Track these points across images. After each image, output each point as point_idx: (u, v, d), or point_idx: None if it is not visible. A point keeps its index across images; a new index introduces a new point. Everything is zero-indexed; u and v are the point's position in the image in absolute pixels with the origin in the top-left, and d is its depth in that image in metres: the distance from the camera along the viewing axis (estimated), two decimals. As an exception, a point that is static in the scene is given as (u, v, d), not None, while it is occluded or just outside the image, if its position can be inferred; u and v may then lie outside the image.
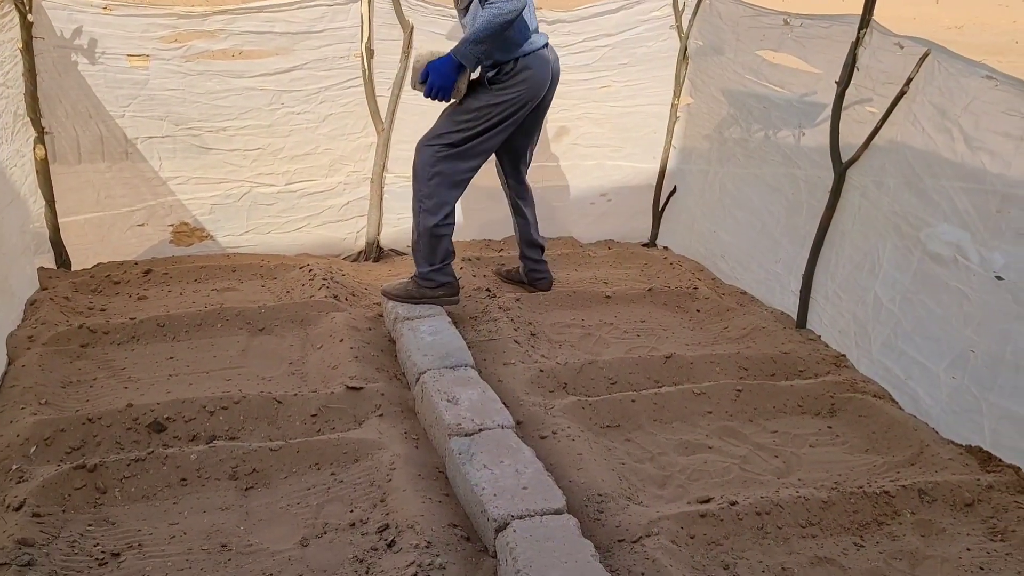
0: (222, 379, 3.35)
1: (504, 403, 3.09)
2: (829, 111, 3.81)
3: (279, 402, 3.09)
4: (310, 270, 4.28)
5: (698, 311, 4.20)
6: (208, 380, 3.33)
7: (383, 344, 3.71)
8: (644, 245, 5.28)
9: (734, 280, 4.61)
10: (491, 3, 3.45)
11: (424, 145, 3.73)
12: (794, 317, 4.09)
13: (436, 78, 3.54)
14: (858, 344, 3.70)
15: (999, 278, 3.02)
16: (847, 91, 3.70)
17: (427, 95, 3.59)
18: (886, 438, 3.13)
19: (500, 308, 3.97)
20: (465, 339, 3.57)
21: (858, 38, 3.61)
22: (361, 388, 3.21)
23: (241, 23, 4.32)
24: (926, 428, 3.17)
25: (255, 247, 4.80)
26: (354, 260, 4.99)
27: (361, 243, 4.99)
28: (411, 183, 3.78)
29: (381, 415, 3.12)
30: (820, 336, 3.94)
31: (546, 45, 3.83)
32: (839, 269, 3.85)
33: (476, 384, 3.19)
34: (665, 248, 5.20)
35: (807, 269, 3.97)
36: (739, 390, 3.35)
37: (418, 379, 3.26)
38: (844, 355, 3.75)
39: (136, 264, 4.41)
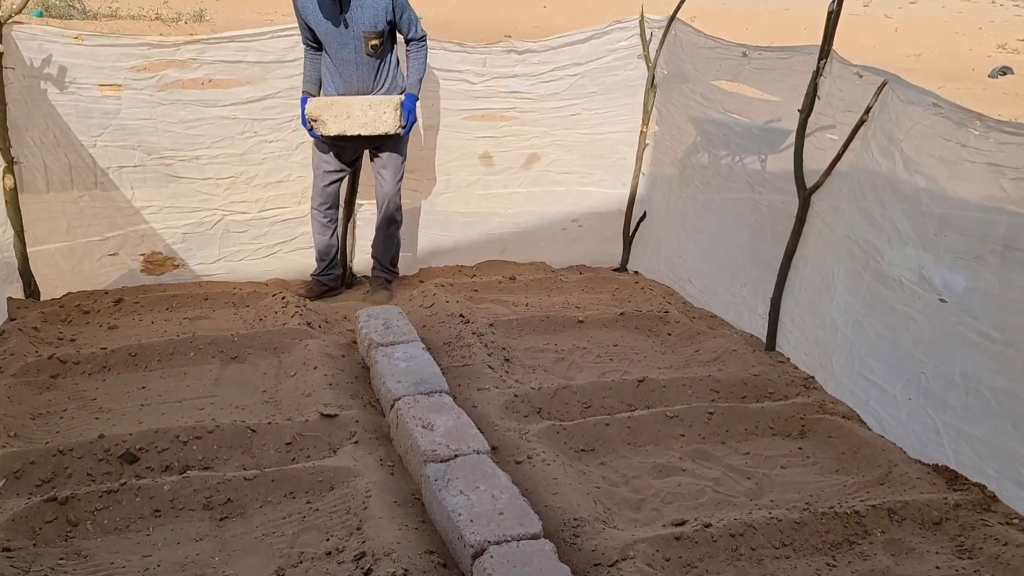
0: (195, 408, 3.33)
1: (479, 428, 3.11)
2: (789, 138, 3.92)
3: (253, 431, 3.08)
4: (283, 298, 4.28)
5: (669, 335, 4.25)
6: (181, 409, 3.31)
7: (357, 371, 3.71)
8: (615, 270, 5.35)
9: (703, 304, 4.68)
10: (419, 44, 4.32)
11: (398, 191, 4.57)
12: (763, 340, 4.16)
13: (415, 115, 4.34)
14: (822, 366, 3.77)
15: (942, 301, 3.10)
16: (808, 119, 3.81)
17: (408, 130, 4.34)
18: (855, 458, 3.19)
19: (474, 333, 4.00)
20: (439, 365, 3.59)
21: (819, 68, 3.72)
22: (336, 415, 3.22)
23: (213, 52, 4.34)
24: (894, 448, 3.24)
25: (227, 275, 4.79)
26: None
27: (334, 270, 5.00)
28: (390, 209, 4.53)
29: (356, 442, 3.12)
30: (789, 358, 4.01)
31: None
32: (803, 293, 3.93)
33: (451, 410, 3.21)
34: (636, 273, 5.26)
35: (775, 293, 4.05)
36: (711, 412, 3.39)
37: (393, 405, 3.27)
38: (813, 377, 3.82)
39: (107, 293, 4.38)
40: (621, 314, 4.35)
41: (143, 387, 3.45)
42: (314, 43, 4.26)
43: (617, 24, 4.90)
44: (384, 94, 4.31)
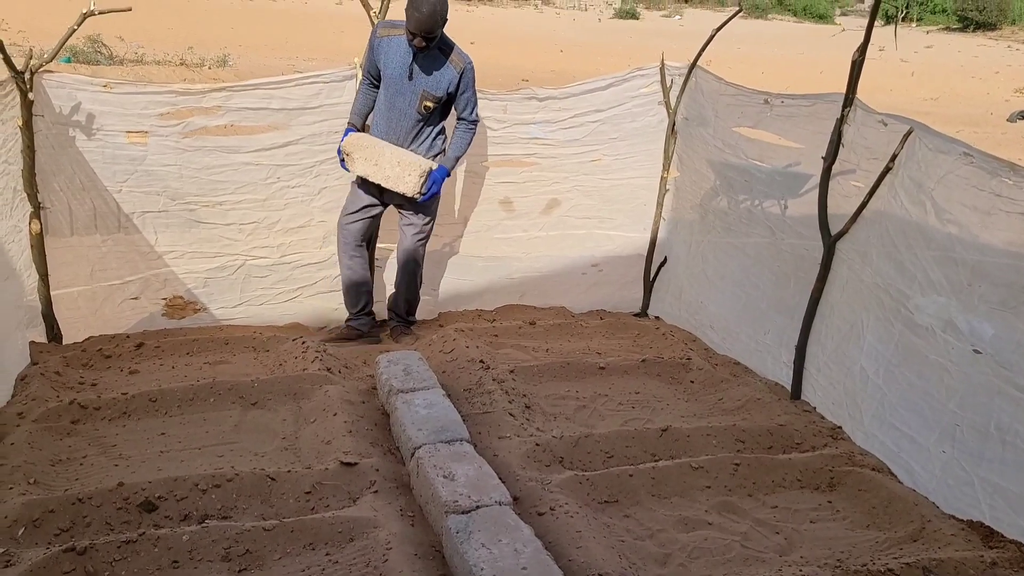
0: (214, 455, 3.31)
1: (501, 478, 3.06)
2: (810, 183, 3.91)
3: (272, 479, 3.05)
4: (303, 343, 4.27)
5: (692, 382, 4.20)
6: (200, 457, 3.28)
7: (377, 417, 3.68)
8: (636, 315, 5.31)
9: (726, 350, 4.63)
10: (469, 126, 4.38)
11: (418, 247, 4.59)
12: (788, 388, 4.10)
13: (438, 187, 4.38)
14: (851, 416, 3.71)
15: (977, 352, 3.05)
16: (832, 166, 3.79)
17: (427, 199, 4.38)
18: (887, 513, 3.12)
19: (494, 380, 3.97)
20: (460, 412, 3.56)
21: (843, 115, 3.71)
22: (356, 464, 3.18)
23: (238, 99, 4.40)
24: (926, 502, 3.16)
25: (248, 319, 4.79)
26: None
27: (352, 314, 5.00)
28: (410, 266, 4.58)
29: (376, 491, 3.08)
30: (815, 407, 3.95)
31: None
32: (829, 340, 3.88)
33: (472, 459, 3.16)
34: (657, 318, 5.23)
35: (800, 340, 4.01)
36: (737, 464, 3.33)
37: (413, 454, 3.23)
38: (840, 427, 3.75)
39: (128, 337, 4.39)
40: (643, 361, 4.30)
41: (163, 433, 3.43)
42: (375, 79, 4.34)
43: (638, 71, 4.94)
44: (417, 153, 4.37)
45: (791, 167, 4.12)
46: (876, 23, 3.65)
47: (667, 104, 4.92)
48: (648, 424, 3.73)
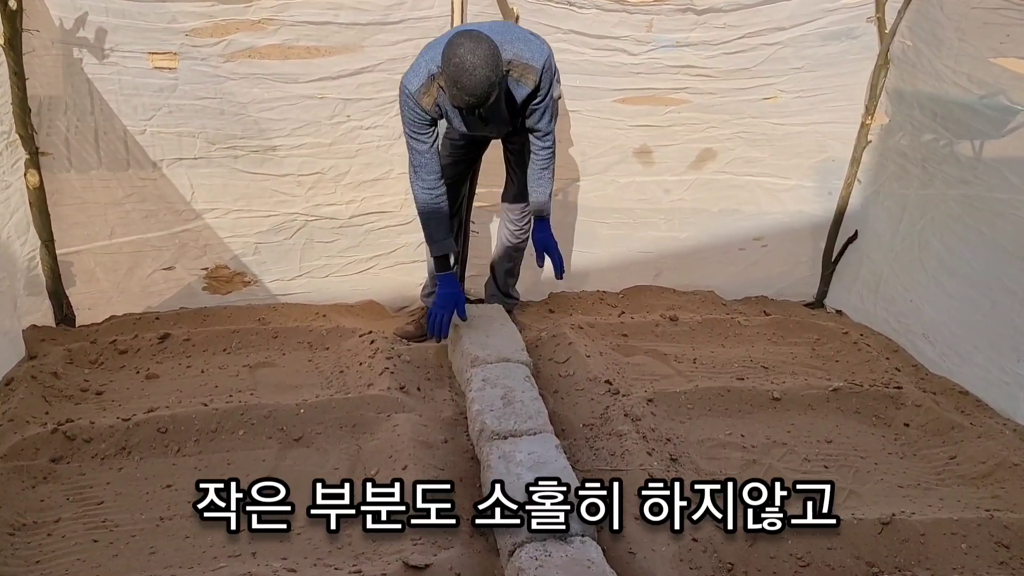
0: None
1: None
2: None
3: (305, 588, 2.05)
4: (371, 341, 3.25)
5: (907, 425, 2.97)
6: (213, 531, 2.31)
7: (463, 467, 2.64)
8: (808, 305, 4.05)
9: (945, 371, 3.35)
10: (546, 147, 3.08)
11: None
12: (1056, 445, 2.82)
13: (558, 256, 3.29)
14: None
15: None
16: None
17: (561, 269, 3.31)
18: None
19: (626, 415, 2.84)
20: (579, 468, 2.48)
21: None
22: (427, 567, 2.14)
23: (296, 11, 3.31)
24: None
25: (310, 294, 3.82)
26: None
27: (441, 290, 3.94)
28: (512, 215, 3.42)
29: (456, 615, 2.05)
30: (1105, 483, 2.66)
31: None
32: None
33: (599, 571, 2.08)
34: (838, 312, 3.96)
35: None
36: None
37: (513, 554, 2.17)
38: None
39: (157, 319, 3.48)
40: (834, 390, 3.08)
41: (169, 485, 2.48)
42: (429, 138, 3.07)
43: (840, -29, 3.55)
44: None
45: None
46: None
47: (881, 20, 3.52)
48: (856, 506, 2.54)
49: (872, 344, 3.53)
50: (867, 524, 2.38)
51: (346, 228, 3.77)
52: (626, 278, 4.03)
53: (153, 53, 3.24)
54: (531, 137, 3.07)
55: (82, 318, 3.44)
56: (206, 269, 3.65)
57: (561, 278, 3.33)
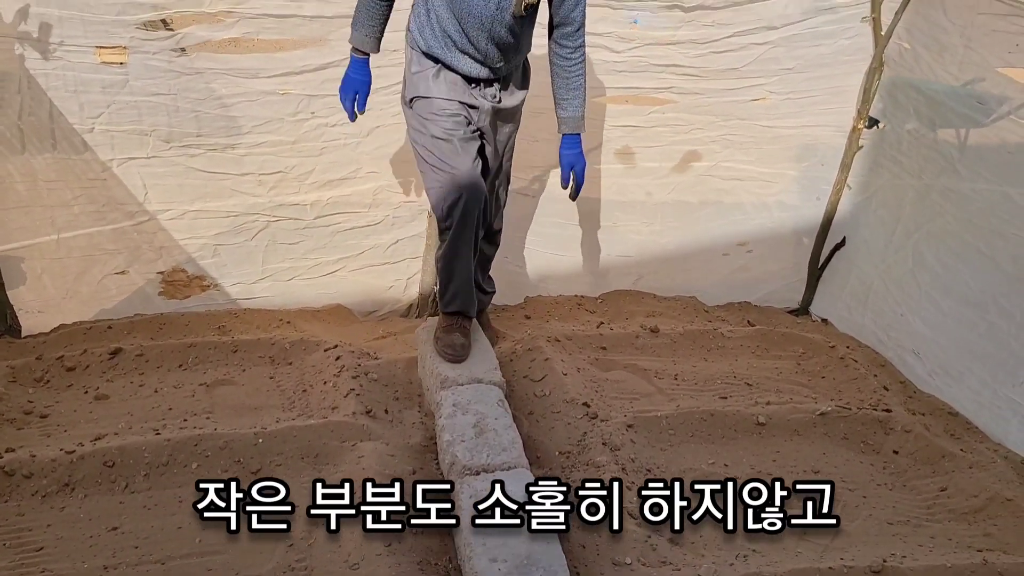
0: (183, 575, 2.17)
1: None
2: None
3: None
4: (337, 357, 3.06)
5: (896, 452, 2.86)
6: (162, 579, 2.15)
7: (432, 501, 2.48)
8: (792, 312, 3.92)
9: (934, 389, 3.25)
10: (580, 45, 2.66)
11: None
12: (1049, 475, 2.72)
13: (582, 178, 2.85)
14: None
15: None
16: None
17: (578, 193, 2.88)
18: None
19: (604, 443, 2.71)
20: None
21: None
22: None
23: (255, 3, 3.08)
24: None
25: (273, 298, 3.63)
26: (403, 316, 3.79)
27: (412, 293, 3.78)
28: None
29: None
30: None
31: None
32: None
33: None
34: (824, 321, 3.83)
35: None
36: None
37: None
38: None
39: (110, 327, 3.28)
40: (821, 415, 2.95)
41: (115, 527, 2.31)
42: None
43: (834, -31, 3.37)
44: (514, 81, 2.81)
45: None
46: None
47: (875, 20, 3.35)
48: (845, 547, 2.42)
49: (859, 359, 3.41)
50: (858, 573, 2.27)
51: (311, 229, 3.57)
52: (605, 282, 3.88)
53: (100, 47, 3.00)
54: (559, 40, 2.64)
55: (30, 324, 3.24)
56: (162, 273, 3.44)
57: (575, 200, 2.92)
